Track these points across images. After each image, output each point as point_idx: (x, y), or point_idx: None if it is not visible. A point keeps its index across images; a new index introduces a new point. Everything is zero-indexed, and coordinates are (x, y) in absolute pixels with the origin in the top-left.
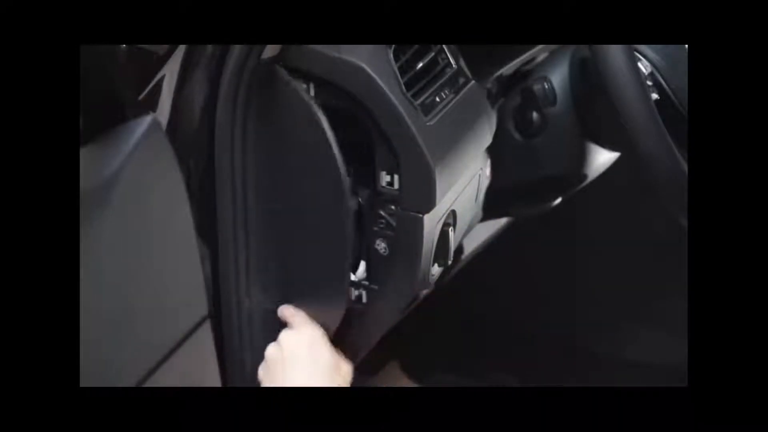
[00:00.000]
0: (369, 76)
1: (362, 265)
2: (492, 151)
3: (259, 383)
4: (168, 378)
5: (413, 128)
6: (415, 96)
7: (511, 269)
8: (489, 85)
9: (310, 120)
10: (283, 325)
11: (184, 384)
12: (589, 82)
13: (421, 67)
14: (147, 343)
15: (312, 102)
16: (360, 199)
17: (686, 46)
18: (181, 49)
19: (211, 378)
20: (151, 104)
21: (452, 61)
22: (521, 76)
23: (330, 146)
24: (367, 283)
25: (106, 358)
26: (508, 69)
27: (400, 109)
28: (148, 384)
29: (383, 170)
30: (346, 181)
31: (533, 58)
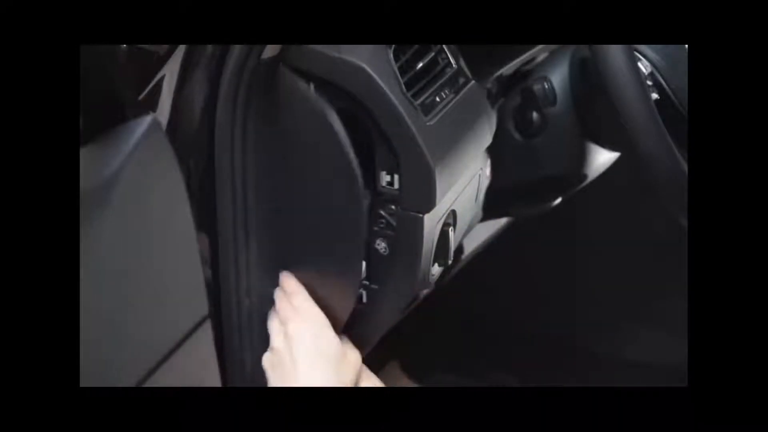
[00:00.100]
0: (369, 76)
1: (362, 265)
2: (492, 151)
3: (263, 376)
4: (168, 378)
5: (413, 128)
6: (415, 96)
7: (511, 269)
8: (489, 85)
9: (317, 119)
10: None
11: (184, 384)
12: (589, 82)
13: (421, 67)
14: (147, 343)
15: (319, 101)
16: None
17: (686, 46)
18: (181, 49)
19: (211, 378)
20: (151, 104)
21: (452, 61)
22: (521, 76)
23: (342, 145)
24: (367, 282)
25: (106, 358)
26: (508, 69)
27: (400, 109)
28: (148, 384)
29: (383, 170)
30: (359, 178)
31: (533, 58)
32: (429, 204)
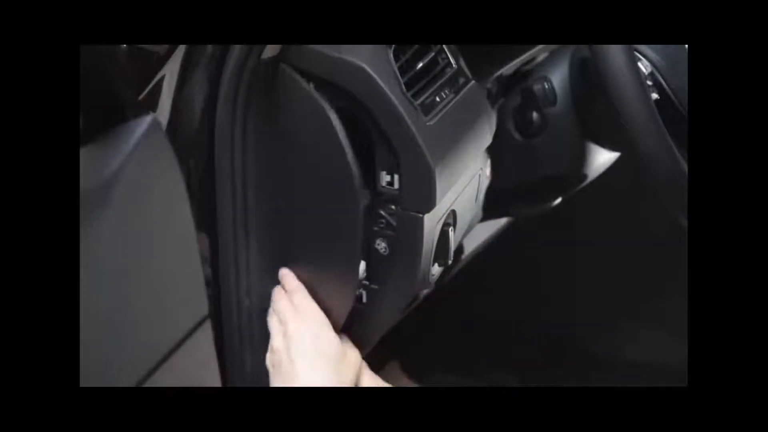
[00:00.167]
0: (369, 76)
1: (362, 265)
2: (492, 151)
3: (263, 376)
4: (168, 378)
5: (413, 128)
6: (415, 96)
7: (511, 269)
8: (489, 85)
9: (317, 119)
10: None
11: (184, 384)
12: (589, 82)
13: (421, 67)
14: (147, 343)
15: (319, 101)
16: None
17: (686, 46)
18: (181, 49)
19: (211, 378)
20: (151, 104)
21: (452, 61)
22: (521, 76)
23: (342, 145)
24: (367, 282)
25: (106, 358)
26: (508, 69)
27: (400, 109)
28: (148, 384)
29: (383, 170)
30: (357, 178)
31: (533, 58)
32: (429, 204)
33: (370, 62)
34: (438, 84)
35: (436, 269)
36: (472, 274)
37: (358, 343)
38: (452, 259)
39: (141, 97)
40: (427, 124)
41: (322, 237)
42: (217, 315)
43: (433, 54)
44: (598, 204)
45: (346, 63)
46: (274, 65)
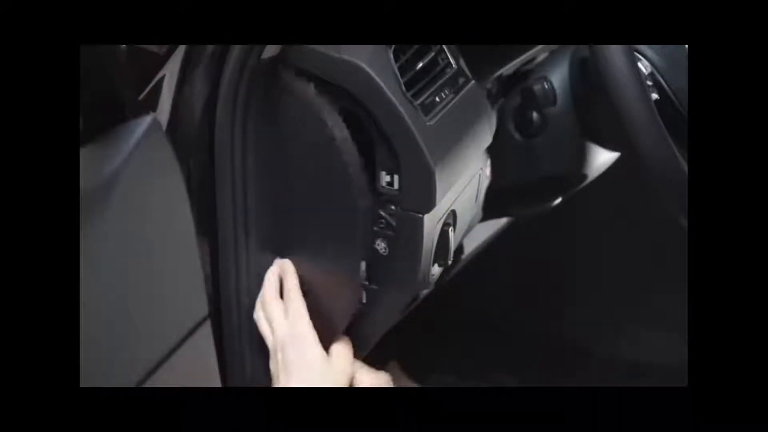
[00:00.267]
0: (369, 76)
1: (362, 265)
2: (492, 151)
3: (263, 376)
4: (168, 378)
5: (413, 128)
6: (415, 96)
7: (511, 269)
8: (489, 85)
9: (318, 119)
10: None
11: (184, 384)
12: (589, 82)
13: (421, 67)
14: (147, 343)
15: (319, 101)
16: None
17: (686, 46)
18: (181, 49)
19: (211, 378)
20: (151, 104)
21: (452, 61)
22: (521, 76)
23: (342, 145)
24: (367, 283)
25: (106, 358)
26: (508, 69)
27: (400, 109)
28: (148, 384)
29: (383, 170)
30: (357, 178)
31: (533, 58)
32: (429, 204)
33: (370, 62)
34: (438, 84)
35: (436, 269)
36: (472, 274)
37: (359, 343)
38: (452, 259)
39: (141, 97)
40: (427, 124)
41: (322, 237)
42: (217, 315)
43: (433, 54)
44: (598, 204)
45: (346, 63)
46: (274, 65)
